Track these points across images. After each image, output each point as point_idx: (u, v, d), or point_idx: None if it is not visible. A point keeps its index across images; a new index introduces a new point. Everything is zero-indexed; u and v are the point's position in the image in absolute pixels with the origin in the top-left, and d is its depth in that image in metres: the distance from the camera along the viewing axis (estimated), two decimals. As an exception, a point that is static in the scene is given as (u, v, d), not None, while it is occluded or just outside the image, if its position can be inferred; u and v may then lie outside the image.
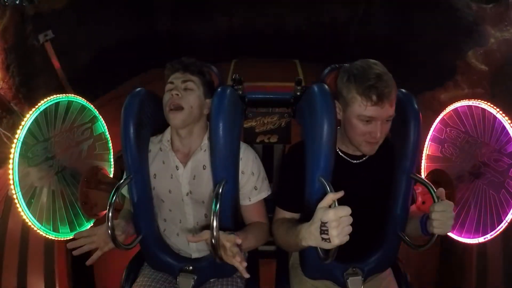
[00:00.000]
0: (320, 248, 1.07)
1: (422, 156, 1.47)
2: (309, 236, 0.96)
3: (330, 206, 0.94)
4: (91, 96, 2.27)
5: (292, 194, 1.23)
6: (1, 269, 1.47)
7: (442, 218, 1.03)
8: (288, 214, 1.25)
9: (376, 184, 1.23)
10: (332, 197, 0.93)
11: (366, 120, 1.08)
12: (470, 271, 1.59)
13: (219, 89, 1.21)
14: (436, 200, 1.06)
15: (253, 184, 1.28)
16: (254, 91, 1.86)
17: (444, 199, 1.06)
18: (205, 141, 1.26)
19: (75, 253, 1.12)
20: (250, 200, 1.30)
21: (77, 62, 2.45)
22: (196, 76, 1.25)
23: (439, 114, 1.50)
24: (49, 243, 1.47)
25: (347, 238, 0.91)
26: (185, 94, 1.21)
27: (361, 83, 1.06)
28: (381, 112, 1.06)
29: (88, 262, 1.14)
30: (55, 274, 1.48)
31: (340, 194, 0.93)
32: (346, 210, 0.89)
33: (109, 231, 1.09)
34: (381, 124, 1.08)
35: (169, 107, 1.19)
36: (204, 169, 1.25)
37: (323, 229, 0.91)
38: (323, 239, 0.92)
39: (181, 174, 1.26)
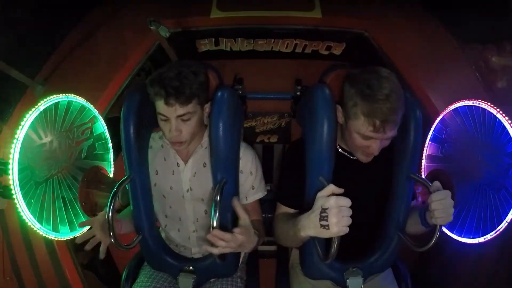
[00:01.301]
0: (319, 247, 1.07)
1: (422, 156, 1.47)
2: (308, 224, 0.96)
3: None
4: (42, 56, 1.76)
5: (292, 190, 1.24)
6: (20, 273, 1.48)
7: (441, 207, 1.03)
8: (288, 210, 1.26)
9: (374, 180, 1.24)
10: (332, 188, 0.94)
11: (365, 138, 1.08)
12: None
13: (219, 91, 1.21)
14: None
15: (250, 183, 1.29)
16: (254, 91, 1.86)
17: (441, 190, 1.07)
18: (206, 138, 1.27)
19: (86, 248, 1.17)
20: (246, 199, 1.31)
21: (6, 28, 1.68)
22: (191, 102, 1.12)
23: (484, 81, 1.42)
24: (49, 243, 1.45)
25: (346, 229, 0.91)
26: (184, 127, 1.14)
27: (367, 102, 1.03)
28: (381, 136, 1.06)
29: (100, 256, 1.17)
30: (66, 272, 1.47)
31: (341, 190, 0.94)
32: (346, 201, 0.91)
33: (110, 231, 1.09)
34: (381, 142, 1.08)
35: (171, 141, 1.18)
36: (204, 166, 1.26)
37: (323, 215, 0.91)
38: (322, 225, 0.92)
39: (182, 171, 1.27)
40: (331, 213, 0.90)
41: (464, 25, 1.83)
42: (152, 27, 1.57)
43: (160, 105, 1.11)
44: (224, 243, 1.00)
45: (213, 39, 1.92)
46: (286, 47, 1.96)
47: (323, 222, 0.91)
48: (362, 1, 1.98)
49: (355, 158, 1.21)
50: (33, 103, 1.19)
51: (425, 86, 1.61)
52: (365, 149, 1.11)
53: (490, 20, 1.70)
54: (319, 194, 0.95)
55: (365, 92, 1.04)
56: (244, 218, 1.07)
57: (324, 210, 0.91)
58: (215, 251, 1.01)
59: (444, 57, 1.75)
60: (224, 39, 1.92)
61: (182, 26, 1.84)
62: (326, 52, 1.97)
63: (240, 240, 1.03)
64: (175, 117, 1.11)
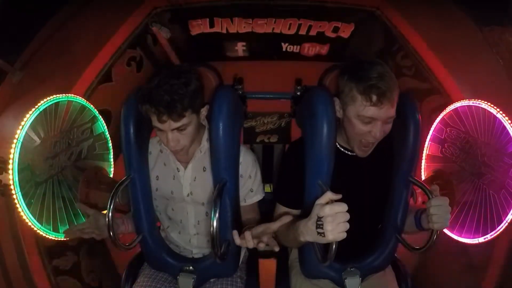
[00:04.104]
0: (318, 249, 1.07)
1: (422, 157, 1.47)
2: (306, 231, 0.97)
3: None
4: (21, 42, 1.60)
5: (292, 191, 1.25)
6: None
7: (440, 212, 1.05)
8: (287, 210, 1.26)
9: (374, 179, 1.25)
10: (330, 196, 0.94)
11: (366, 121, 1.08)
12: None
13: (219, 91, 1.21)
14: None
15: (249, 186, 1.30)
16: (254, 91, 1.86)
17: (438, 195, 1.09)
18: (204, 143, 1.26)
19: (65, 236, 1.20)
20: (245, 202, 1.32)
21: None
22: (184, 116, 1.09)
23: (505, 65, 1.36)
24: (19, 247, 1.35)
25: (343, 235, 0.92)
26: (181, 136, 1.13)
27: (362, 82, 1.06)
28: (381, 112, 1.06)
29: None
30: (35, 281, 1.37)
31: (338, 196, 0.94)
32: (342, 207, 0.91)
33: (109, 231, 1.09)
34: (381, 125, 1.08)
35: (170, 150, 1.19)
36: (204, 171, 1.26)
37: (319, 224, 0.92)
38: (318, 233, 0.93)
39: (182, 176, 1.27)
40: (326, 221, 0.91)
41: (480, 7, 1.64)
42: (154, 28, 1.52)
43: (154, 120, 1.10)
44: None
45: (208, 19, 1.69)
46: (289, 29, 1.71)
47: (319, 230, 0.92)
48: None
49: (354, 154, 1.22)
50: (12, 89, 1.16)
51: (447, 70, 1.47)
52: (367, 135, 1.11)
53: (507, 2, 1.54)
54: (317, 201, 0.96)
55: (359, 74, 1.07)
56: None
57: (319, 218, 0.92)
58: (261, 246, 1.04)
59: (464, 40, 1.59)
60: (220, 19, 1.68)
61: (172, 2, 1.63)
62: (333, 35, 1.73)
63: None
64: (171, 130, 1.10)
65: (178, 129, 1.10)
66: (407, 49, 1.54)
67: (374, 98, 1.04)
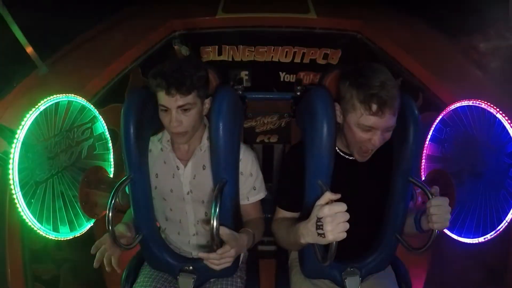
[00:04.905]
0: (318, 249, 1.08)
1: (422, 156, 1.47)
2: (307, 232, 0.98)
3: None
4: (55, 45, 1.89)
5: (292, 195, 1.24)
6: None
7: (440, 212, 1.04)
8: (288, 214, 1.26)
9: (373, 181, 1.24)
10: (329, 196, 0.94)
11: (366, 129, 1.08)
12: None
13: (219, 90, 1.21)
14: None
15: (251, 184, 1.30)
16: (253, 91, 1.86)
17: (438, 195, 1.09)
18: (204, 141, 1.27)
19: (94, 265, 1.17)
20: (248, 200, 1.32)
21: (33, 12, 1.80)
22: (191, 93, 1.14)
23: (478, 65, 1.52)
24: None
25: (343, 235, 0.92)
26: (184, 118, 1.15)
27: (363, 90, 1.04)
28: (381, 122, 1.05)
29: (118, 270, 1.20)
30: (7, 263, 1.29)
31: (337, 196, 0.94)
32: (341, 206, 0.91)
33: (109, 231, 1.09)
34: (381, 133, 1.08)
35: (172, 131, 1.19)
36: (204, 169, 1.26)
37: (319, 225, 0.93)
38: (318, 234, 0.93)
39: (182, 174, 1.27)
40: (326, 222, 0.91)
41: (445, 22, 2.01)
42: (176, 46, 1.71)
43: (161, 96, 1.13)
44: (218, 262, 1.07)
45: (216, 47, 2.02)
46: (286, 56, 2.02)
47: (319, 231, 0.93)
48: (352, 5, 2.17)
49: (353, 158, 1.22)
50: (36, 83, 1.21)
51: (431, 73, 1.62)
52: (366, 143, 1.10)
53: (468, 14, 1.87)
54: (317, 203, 0.96)
55: (360, 81, 1.06)
56: (227, 240, 1.08)
57: (319, 219, 0.92)
58: (217, 268, 1.08)
59: (438, 49, 1.83)
60: (227, 47, 2.01)
61: (188, 27, 1.94)
62: (323, 62, 2.03)
63: (232, 253, 1.08)
64: (176, 108, 1.13)
65: (183, 108, 1.13)
66: (391, 64, 1.73)
67: (375, 107, 1.03)
